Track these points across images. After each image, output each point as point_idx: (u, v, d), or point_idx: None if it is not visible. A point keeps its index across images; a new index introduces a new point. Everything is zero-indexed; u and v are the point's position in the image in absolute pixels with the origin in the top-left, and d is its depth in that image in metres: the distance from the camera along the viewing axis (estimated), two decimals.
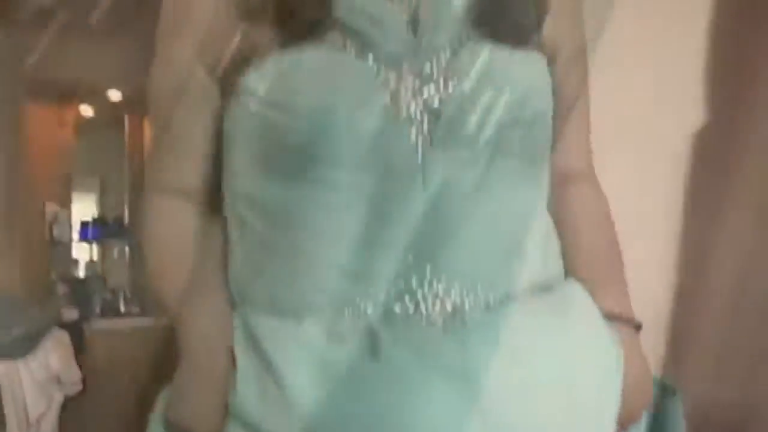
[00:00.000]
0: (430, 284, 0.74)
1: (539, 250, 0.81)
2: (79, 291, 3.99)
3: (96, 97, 4.23)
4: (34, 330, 2.53)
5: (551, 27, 0.83)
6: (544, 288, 0.80)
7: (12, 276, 3.59)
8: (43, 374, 2.44)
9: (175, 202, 0.85)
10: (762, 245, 1.64)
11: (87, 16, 3.56)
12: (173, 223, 0.85)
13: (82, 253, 4.35)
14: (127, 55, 3.84)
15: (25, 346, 2.42)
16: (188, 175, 0.84)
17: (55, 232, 4.02)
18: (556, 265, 0.84)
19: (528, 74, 0.79)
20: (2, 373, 2.28)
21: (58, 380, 2.53)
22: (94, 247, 4.38)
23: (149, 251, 0.88)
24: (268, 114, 0.74)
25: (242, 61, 0.75)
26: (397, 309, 0.74)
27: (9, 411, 2.30)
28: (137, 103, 4.36)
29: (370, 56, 0.74)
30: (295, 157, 0.74)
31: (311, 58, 0.73)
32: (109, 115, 4.43)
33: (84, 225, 4.27)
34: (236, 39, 0.75)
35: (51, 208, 4.02)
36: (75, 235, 4.25)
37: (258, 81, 0.74)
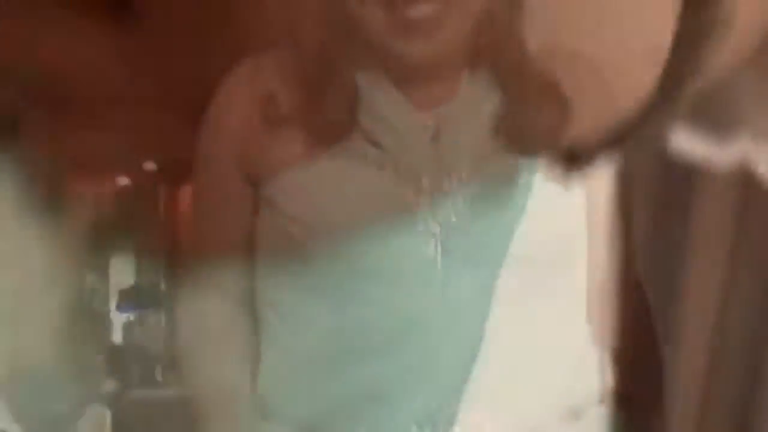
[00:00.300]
0: (449, 416, 0.73)
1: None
2: (117, 361, 4.03)
3: (132, 168, 4.37)
4: (74, 406, 2.54)
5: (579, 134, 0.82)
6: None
7: (52, 349, 3.65)
8: None
9: (213, 299, 0.86)
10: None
11: (124, 92, 3.72)
12: (209, 320, 0.86)
13: (120, 322, 4.42)
14: (162, 128, 4.01)
15: (65, 424, 2.43)
16: (227, 273, 0.85)
17: (93, 302, 4.10)
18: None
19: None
20: None
21: None
22: (131, 315, 4.45)
23: (186, 347, 0.89)
24: (287, 226, 0.76)
25: (268, 170, 0.78)
26: None
27: None
28: (172, 174, 4.51)
29: (390, 168, 0.75)
30: (312, 269, 0.75)
31: (328, 171, 0.76)
32: (145, 185, 4.58)
33: (121, 294, 4.35)
34: (266, 147, 0.78)
35: (89, 277, 4.11)
36: (112, 305, 4.33)
37: (277, 193, 0.77)
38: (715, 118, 0.93)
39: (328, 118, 0.78)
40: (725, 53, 0.67)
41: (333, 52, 0.79)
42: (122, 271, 4.52)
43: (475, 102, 0.80)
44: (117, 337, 4.37)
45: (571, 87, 0.82)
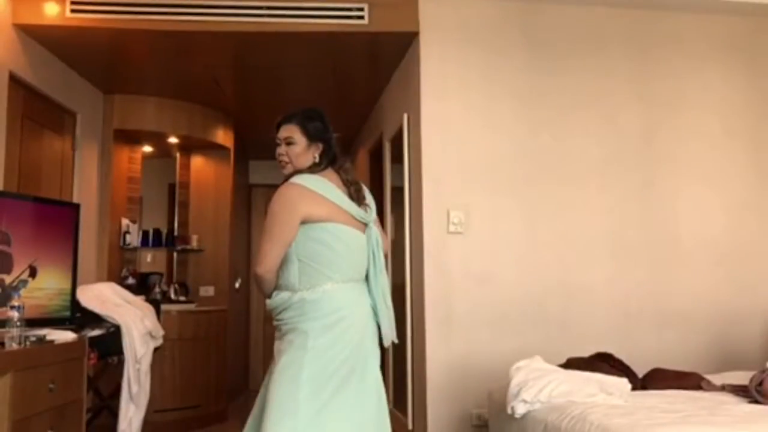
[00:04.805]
0: None
1: None
2: (143, 283, 5.35)
3: (158, 140, 5.57)
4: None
5: None
6: None
7: (99, 271, 4.95)
8: (143, 329, 3.84)
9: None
10: None
11: (157, 89, 4.92)
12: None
13: (146, 255, 5.64)
14: (180, 114, 5.25)
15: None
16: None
17: (127, 239, 5.37)
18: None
19: None
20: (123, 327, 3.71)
21: (151, 335, 3.93)
22: (155, 251, 5.67)
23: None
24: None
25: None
26: None
27: (126, 350, 3.71)
28: (185, 145, 5.72)
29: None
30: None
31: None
32: (166, 152, 5.80)
33: (145, 234, 5.59)
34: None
35: (124, 221, 5.36)
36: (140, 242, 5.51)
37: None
38: None
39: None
40: None
41: None
42: (148, 218, 5.54)
43: None
44: (143, 265, 5.50)
45: None
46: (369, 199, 2.43)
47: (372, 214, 2.41)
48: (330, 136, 2.38)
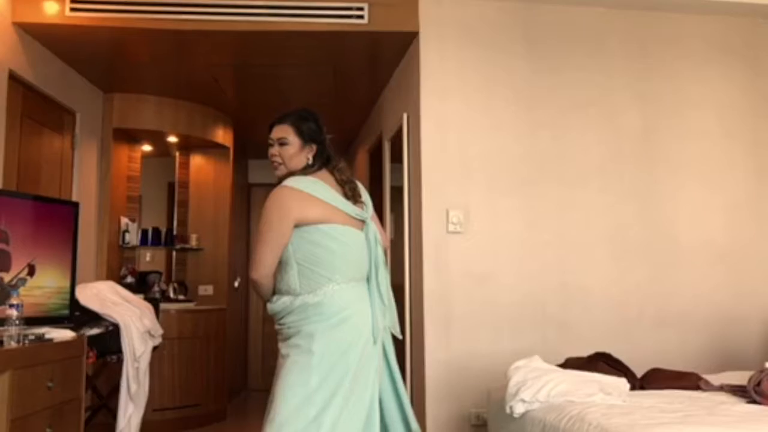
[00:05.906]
0: None
1: None
2: (142, 282, 5.35)
3: (158, 139, 5.58)
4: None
5: None
6: None
7: (99, 270, 4.96)
8: (142, 328, 3.84)
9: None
10: None
11: (156, 90, 4.93)
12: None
13: (145, 254, 5.64)
14: (180, 113, 5.25)
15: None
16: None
17: (126, 238, 5.37)
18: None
19: None
20: (122, 326, 3.71)
21: (150, 334, 3.93)
22: (154, 250, 5.67)
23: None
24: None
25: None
26: None
27: (125, 349, 3.70)
28: (185, 144, 5.73)
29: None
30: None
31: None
32: (166, 151, 5.80)
33: (144, 233, 5.59)
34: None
35: (123, 220, 5.36)
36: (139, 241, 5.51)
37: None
38: None
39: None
40: None
41: None
42: (147, 216, 5.58)
43: None
44: (142, 264, 5.52)
45: None
46: (365, 196, 2.41)
47: (369, 210, 2.39)
48: (324, 138, 2.36)
